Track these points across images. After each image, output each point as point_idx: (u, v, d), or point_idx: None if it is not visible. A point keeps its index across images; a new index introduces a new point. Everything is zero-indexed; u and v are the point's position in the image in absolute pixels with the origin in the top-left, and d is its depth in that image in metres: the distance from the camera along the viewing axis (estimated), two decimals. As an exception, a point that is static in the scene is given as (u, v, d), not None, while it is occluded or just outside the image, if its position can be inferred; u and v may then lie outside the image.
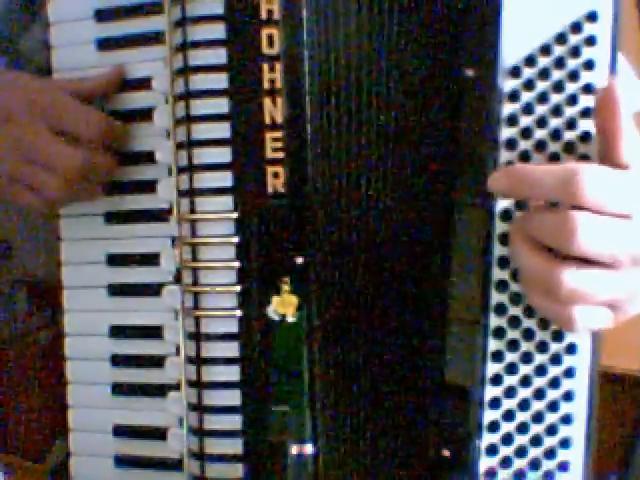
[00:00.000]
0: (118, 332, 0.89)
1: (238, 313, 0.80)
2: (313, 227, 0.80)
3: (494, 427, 0.78)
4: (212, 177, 0.80)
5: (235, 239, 0.80)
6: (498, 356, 0.77)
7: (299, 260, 0.79)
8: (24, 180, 0.84)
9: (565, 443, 0.78)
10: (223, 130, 0.80)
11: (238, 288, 0.80)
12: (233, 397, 0.81)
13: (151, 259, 0.87)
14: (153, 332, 0.87)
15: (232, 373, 0.81)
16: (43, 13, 0.91)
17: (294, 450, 0.80)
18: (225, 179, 0.80)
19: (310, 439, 0.81)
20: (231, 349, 0.81)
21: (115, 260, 0.89)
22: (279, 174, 0.79)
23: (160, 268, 0.86)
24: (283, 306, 0.79)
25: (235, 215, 0.80)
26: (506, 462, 0.78)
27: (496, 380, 0.77)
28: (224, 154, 0.80)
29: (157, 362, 0.87)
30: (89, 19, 0.88)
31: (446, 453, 0.79)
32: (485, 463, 0.78)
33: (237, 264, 0.80)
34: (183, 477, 0.86)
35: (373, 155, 0.80)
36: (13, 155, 0.83)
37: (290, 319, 0.80)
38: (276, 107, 0.79)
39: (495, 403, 0.77)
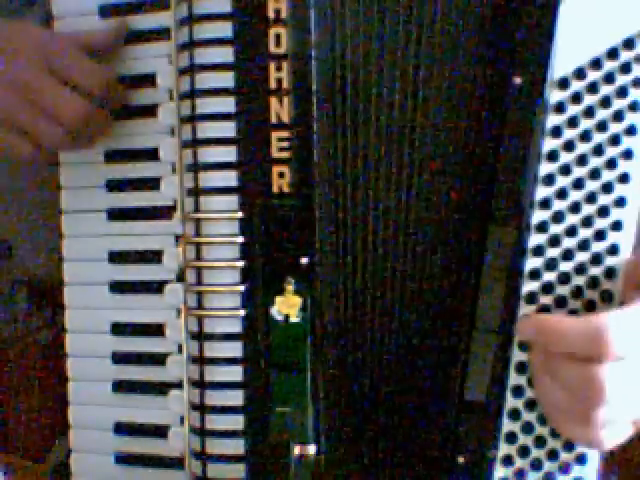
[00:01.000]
0: (119, 329, 0.89)
1: (241, 313, 0.80)
2: (318, 227, 0.79)
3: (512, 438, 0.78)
4: (217, 176, 0.80)
5: (239, 239, 0.80)
6: (521, 368, 0.77)
7: (303, 260, 0.79)
8: (22, 126, 0.81)
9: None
10: (229, 129, 0.79)
11: (242, 288, 0.80)
12: (236, 397, 0.81)
13: (153, 257, 0.86)
14: (155, 330, 0.87)
15: (235, 373, 0.81)
16: (37, 3, 0.90)
17: (296, 451, 0.80)
18: (230, 178, 0.80)
19: (312, 440, 0.80)
20: (234, 349, 0.80)
21: (117, 257, 0.89)
22: (285, 174, 0.79)
23: (162, 266, 0.86)
24: (287, 306, 0.79)
25: (240, 214, 0.80)
26: (521, 474, 0.78)
27: (518, 391, 0.77)
28: (230, 153, 0.79)
29: (158, 360, 0.87)
30: (93, 14, 0.88)
31: (461, 460, 0.79)
32: (500, 473, 0.78)
33: (241, 264, 0.80)
34: (183, 475, 0.86)
35: (379, 155, 0.80)
36: (12, 96, 0.81)
37: (293, 319, 0.79)
38: (282, 106, 0.78)
39: (515, 414, 0.77)
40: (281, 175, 0.79)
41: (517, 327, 0.75)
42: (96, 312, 0.90)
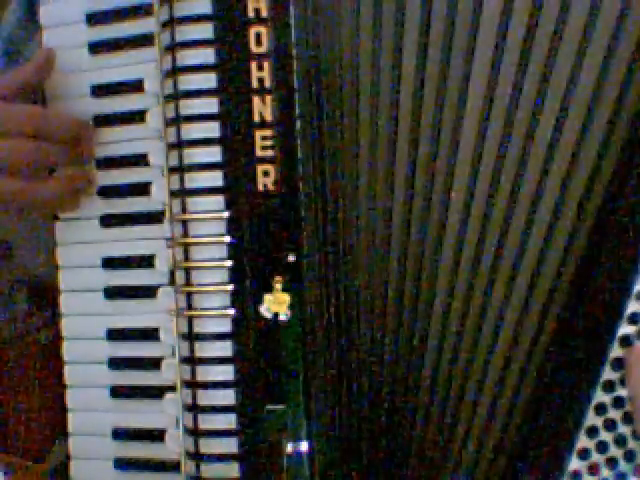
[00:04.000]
0: (115, 335, 0.89)
1: (231, 312, 0.80)
2: (305, 225, 0.80)
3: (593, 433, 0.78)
4: (203, 177, 0.80)
5: (227, 238, 0.80)
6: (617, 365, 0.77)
7: (291, 258, 0.79)
8: None
9: None
10: (213, 130, 0.80)
11: (230, 287, 0.80)
12: (228, 397, 0.81)
13: (146, 261, 0.87)
14: (150, 334, 0.87)
15: (226, 372, 0.81)
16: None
17: (290, 449, 0.80)
18: (216, 178, 0.80)
19: (306, 437, 0.80)
20: (225, 348, 0.81)
21: (111, 263, 0.89)
22: (269, 172, 0.79)
23: (155, 270, 0.86)
24: (276, 304, 0.79)
25: (226, 214, 0.80)
26: (594, 469, 0.78)
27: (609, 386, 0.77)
28: (214, 153, 0.80)
29: (154, 364, 0.87)
30: (81, 23, 0.88)
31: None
32: (574, 465, 0.78)
33: (229, 263, 0.80)
34: (182, 478, 0.86)
35: (363, 152, 0.80)
36: None
37: (283, 317, 0.79)
38: (265, 105, 0.79)
39: (601, 409, 0.78)
40: (266, 174, 0.79)
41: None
42: (92, 318, 0.90)
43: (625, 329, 0.75)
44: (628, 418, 0.77)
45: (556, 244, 0.79)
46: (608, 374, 0.76)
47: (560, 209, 0.78)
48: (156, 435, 0.87)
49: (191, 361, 0.82)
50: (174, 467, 0.86)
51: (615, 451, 0.77)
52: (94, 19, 0.88)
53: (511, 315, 0.81)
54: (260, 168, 0.79)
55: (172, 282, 0.85)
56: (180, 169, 0.81)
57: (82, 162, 0.88)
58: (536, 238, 0.79)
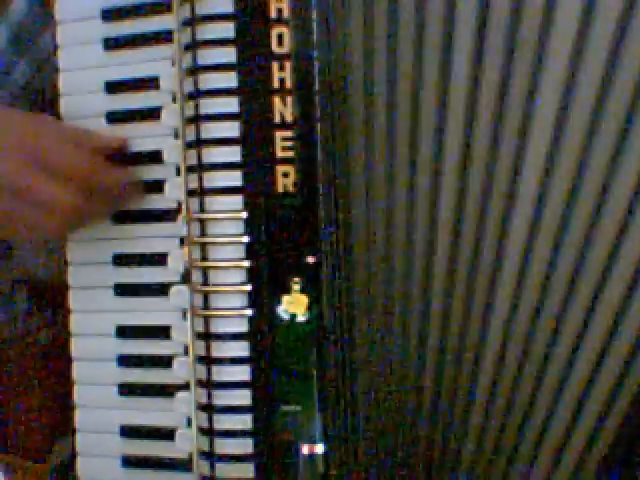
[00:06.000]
0: (125, 332, 0.89)
1: (248, 313, 0.80)
2: (323, 226, 0.80)
3: None
4: (222, 176, 0.80)
5: (245, 238, 0.80)
6: None
7: (310, 260, 0.79)
8: (19, 218, 0.82)
9: None
10: (233, 129, 0.79)
11: (248, 287, 0.80)
12: (243, 397, 0.81)
13: (158, 259, 0.86)
14: (160, 332, 0.87)
15: (242, 373, 0.81)
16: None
17: (305, 450, 0.80)
18: (235, 178, 0.80)
19: (320, 439, 0.80)
20: (241, 349, 0.81)
21: (122, 260, 0.89)
22: (289, 173, 0.79)
23: (167, 268, 0.86)
24: (293, 306, 0.79)
25: (245, 214, 0.80)
26: None
27: None
28: (234, 153, 0.80)
29: (164, 362, 0.86)
30: (96, 18, 0.88)
31: None
32: None
33: (247, 263, 0.80)
34: (191, 477, 0.85)
35: (383, 154, 0.80)
36: (3, 193, 0.81)
37: (300, 318, 0.79)
38: (286, 106, 0.78)
39: None
40: (285, 175, 0.79)
41: None
42: (101, 315, 0.90)
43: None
44: None
45: None
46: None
47: None
48: (165, 433, 0.87)
49: (207, 360, 0.81)
50: (182, 466, 0.86)
51: None
52: (110, 15, 0.87)
53: (509, 310, 0.82)
54: (280, 169, 0.79)
55: (184, 281, 0.85)
56: (199, 168, 0.81)
57: None
58: None
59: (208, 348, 0.81)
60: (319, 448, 0.80)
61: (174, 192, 0.85)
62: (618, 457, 0.81)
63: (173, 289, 0.85)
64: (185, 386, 0.85)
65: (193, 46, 0.80)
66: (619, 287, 0.78)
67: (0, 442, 1.03)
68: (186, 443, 0.85)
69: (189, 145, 0.82)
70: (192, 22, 0.80)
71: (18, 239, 0.85)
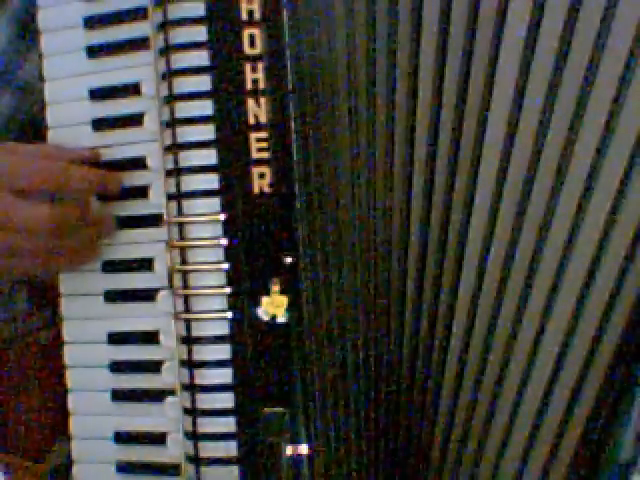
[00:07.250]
0: (116, 339, 0.89)
1: (229, 315, 0.80)
2: (301, 226, 0.79)
3: None
4: (199, 179, 0.80)
5: (223, 241, 0.80)
6: None
7: (288, 260, 0.79)
8: (2, 248, 0.82)
9: None
10: (208, 132, 0.80)
11: (228, 290, 0.80)
12: (226, 399, 0.81)
13: (145, 264, 0.87)
14: (150, 337, 0.87)
15: (225, 375, 0.81)
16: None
17: (289, 451, 0.80)
18: (212, 181, 0.80)
19: (305, 439, 0.80)
20: (223, 351, 0.80)
21: (110, 267, 0.89)
22: (265, 174, 0.79)
23: (154, 273, 0.86)
24: (273, 306, 0.79)
25: (223, 217, 0.80)
26: None
27: None
28: (210, 156, 0.80)
29: (155, 367, 0.87)
30: (79, 27, 0.88)
31: None
32: None
33: (226, 266, 0.80)
34: (182, 482, 0.86)
35: (360, 153, 0.80)
36: None
37: (281, 319, 0.79)
38: (260, 107, 0.78)
39: None
40: (261, 176, 0.79)
41: None
42: (92, 322, 0.90)
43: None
44: None
45: None
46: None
47: None
48: (157, 438, 0.87)
49: (189, 364, 0.81)
50: (175, 470, 0.86)
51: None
52: (92, 23, 0.88)
53: (511, 309, 0.81)
54: (255, 170, 0.79)
55: (172, 285, 0.85)
56: (176, 172, 0.81)
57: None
58: None
59: (190, 352, 0.81)
60: (303, 449, 0.80)
61: (158, 197, 0.85)
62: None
63: (160, 294, 0.86)
64: (174, 391, 0.85)
65: (166, 50, 0.80)
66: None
67: (0, 442, 1.03)
68: (177, 448, 0.86)
69: (167, 149, 0.82)
70: (165, 26, 0.80)
71: (14, 273, 0.86)
